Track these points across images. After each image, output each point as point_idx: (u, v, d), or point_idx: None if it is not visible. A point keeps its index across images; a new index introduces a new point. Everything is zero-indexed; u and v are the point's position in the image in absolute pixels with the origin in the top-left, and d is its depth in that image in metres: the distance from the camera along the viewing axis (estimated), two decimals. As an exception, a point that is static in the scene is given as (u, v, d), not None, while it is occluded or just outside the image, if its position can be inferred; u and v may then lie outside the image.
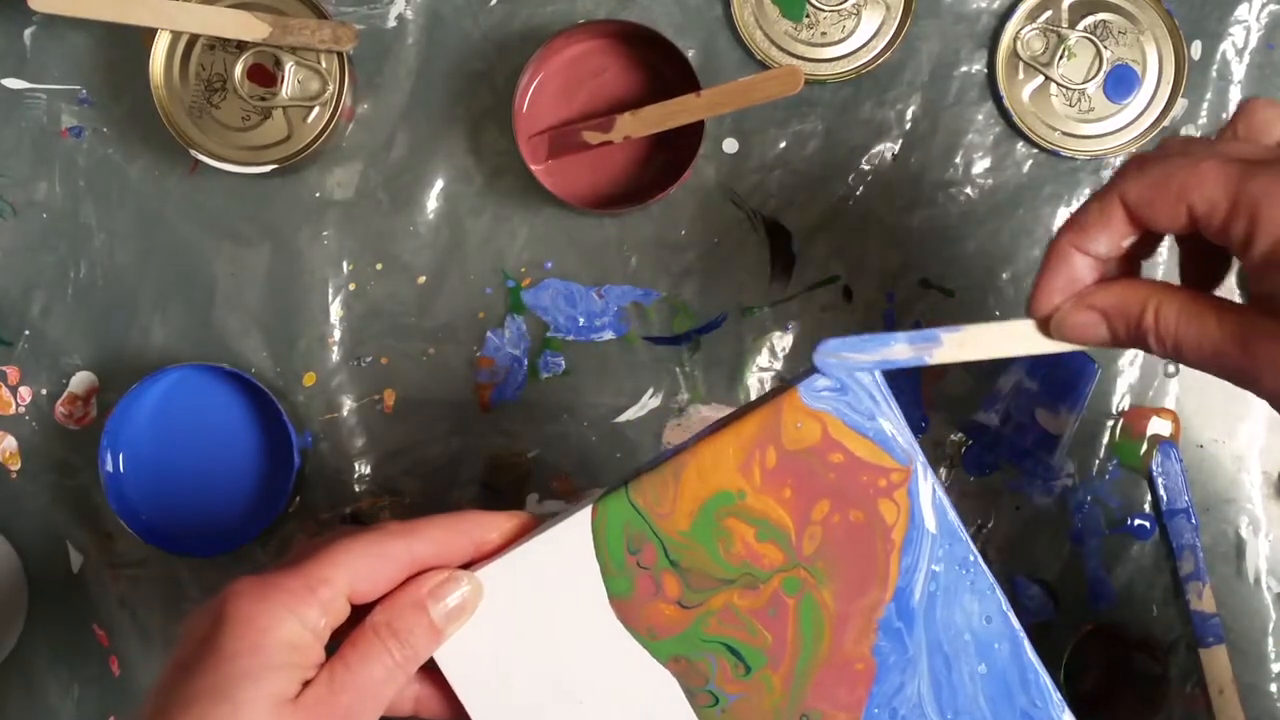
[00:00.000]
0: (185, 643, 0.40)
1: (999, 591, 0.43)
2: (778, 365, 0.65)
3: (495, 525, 0.44)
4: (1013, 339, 0.43)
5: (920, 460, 0.42)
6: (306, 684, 0.39)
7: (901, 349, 0.42)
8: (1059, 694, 0.43)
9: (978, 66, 0.66)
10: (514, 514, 0.44)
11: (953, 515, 0.42)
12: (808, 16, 0.65)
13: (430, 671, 0.43)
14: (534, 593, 0.43)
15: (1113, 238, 0.41)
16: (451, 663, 0.43)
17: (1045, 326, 0.42)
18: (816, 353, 0.42)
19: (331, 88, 0.61)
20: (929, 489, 0.42)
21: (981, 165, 0.66)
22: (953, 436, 0.65)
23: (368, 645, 0.40)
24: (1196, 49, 0.66)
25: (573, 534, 0.43)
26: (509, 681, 0.43)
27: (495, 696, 0.43)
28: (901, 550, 0.42)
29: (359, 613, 0.42)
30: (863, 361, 0.42)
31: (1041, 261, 0.43)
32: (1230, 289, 0.51)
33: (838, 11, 0.65)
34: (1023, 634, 0.42)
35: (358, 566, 0.41)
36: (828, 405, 0.42)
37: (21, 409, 0.64)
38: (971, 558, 0.43)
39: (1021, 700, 0.42)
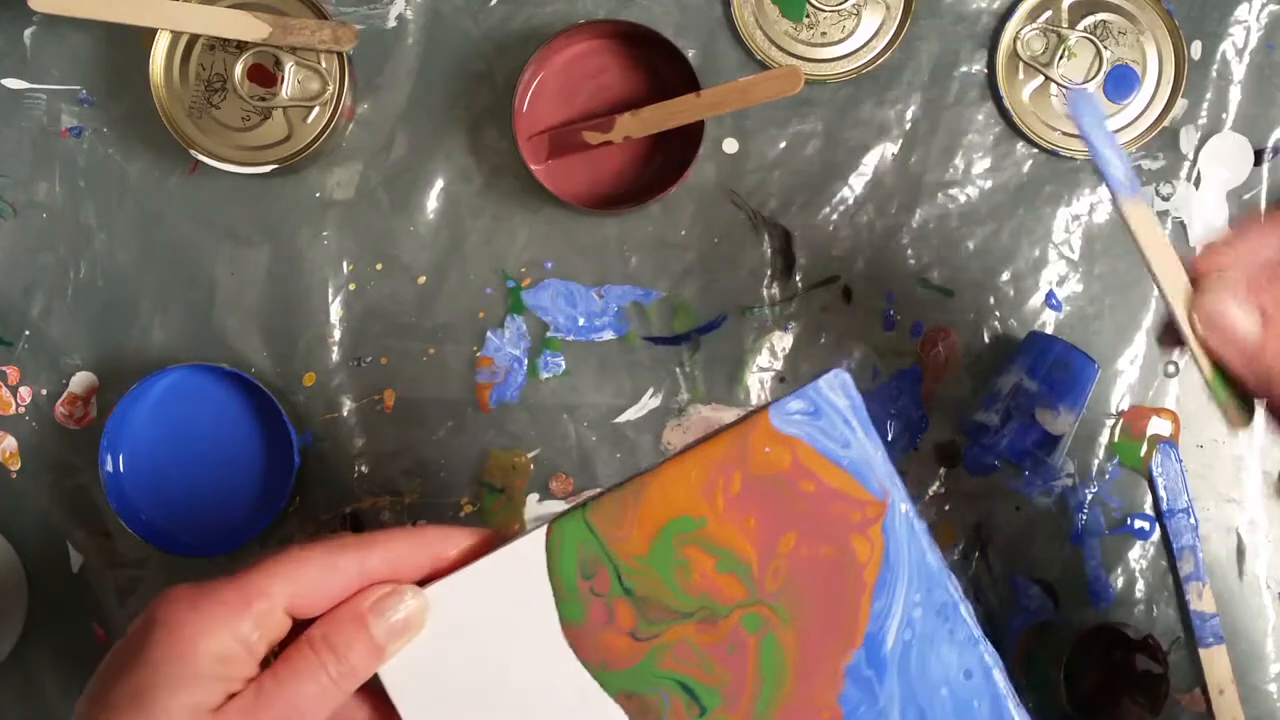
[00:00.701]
0: (118, 647, 0.38)
1: (983, 644, 0.40)
2: (778, 365, 0.65)
3: (454, 541, 0.41)
4: (1171, 280, 0.41)
5: (898, 493, 0.40)
6: (233, 697, 0.38)
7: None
8: None
9: (978, 67, 0.66)
10: (475, 530, 0.42)
11: (933, 556, 0.40)
12: (808, 16, 0.65)
13: (382, 695, 0.41)
14: (485, 614, 0.40)
15: None
16: (396, 682, 0.40)
17: (1198, 284, 0.40)
18: (829, 379, 0.40)
19: (331, 88, 0.61)
20: (906, 526, 0.40)
21: (981, 165, 0.66)
22: (953, 437, 0.65)
23: (301, 660, 0.38)
24: (1196, 49, 0.66)
25: (526, 554, 0.40)
26: (454, 706, 0.40)
27: (442, 718, 0.40)
28: (874, 592, 0.40)
29: (305, 628, 0.40)
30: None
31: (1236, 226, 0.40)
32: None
33: (838, 12, 0.65)
34: (1007, 691, 0.40)
35: (302, 578, 0.39)
36: (799, 430, 0.40)
37: (21, 409, 0.64)
38: (953, 604, 0.40)
39: None
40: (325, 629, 0.39)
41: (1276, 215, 0.41)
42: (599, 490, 0.41)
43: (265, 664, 0.39)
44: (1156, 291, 0.41)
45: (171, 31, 0.61)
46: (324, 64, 0.61)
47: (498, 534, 0.41)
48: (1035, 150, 0.66)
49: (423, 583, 0.40)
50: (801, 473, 0.40)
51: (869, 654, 0.40)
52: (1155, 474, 0.65)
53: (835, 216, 0.65)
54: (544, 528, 0.40)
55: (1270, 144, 0.66)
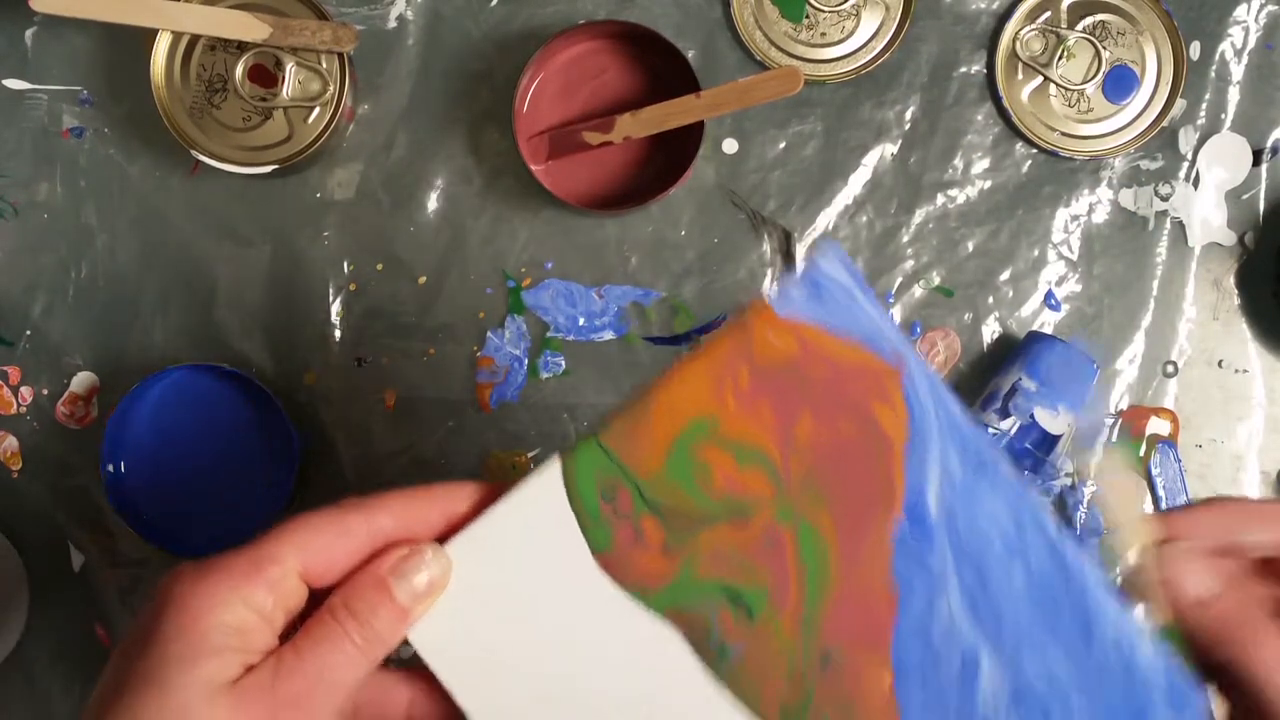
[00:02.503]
0: (129, 632, 0.37)
1: (1027, 488, 0.38)
2: (777, 365, 0.65)
3: (463, 495, 0.39)
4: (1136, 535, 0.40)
5: (913, 356, 0.38)
6: (252, 669, 0.36)
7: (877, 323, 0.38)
8: (1113, 596, 0.38)
9: (977, 67, 0.66)
10: (482, 483, 0.40)
11: (960, 412, 0.38)
12: (807, 17, 0.65)
13: (420, 668, 0.40)
14: (512, 558, 0.38)
15: None
16: (429, 646, 0.38)
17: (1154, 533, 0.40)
18: (822, 253, 0.38)
19: (332, 88, 0.61)
20: (928, 385, 0.38)
21: (981, 165, 0.66)
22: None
23: (322, 629, 0.37)
24: (1195, 49, 0.66)
25: (543, 490, 0.38)
26: (498, 660, 0.38)
27: (486, 679, 0.38)
28: (906, 459, 0.37)
29: (322, 599, 0.39)
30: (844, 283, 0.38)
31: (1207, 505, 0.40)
32: None
33: (837, 12, 0.65)
34: (1059, 535, 0.38)
35: (311, 543, 0.37)
36: (803, 313, 0.38)
37: (23, 409, 0.64)
38: (990, 456, 0.38)
39: (1071, 607, 0.38)
40: (345, 596, 0.37)
41: (1226, 506, 0.41)
42: (607, 416, 0.39)
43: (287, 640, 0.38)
44: (1120, 544, 0.41)
45: (172, 32, 0.61)
46: (324, 64, 0.61)
47: (506, 483, 0.40)
48: (1034, 151, 0.66)
49: (441, 540, 0.39)
50: (811, 355, 0.38)
51: (913, 523, 0.38)
52: (1154, 474, 0.65)
53: (835, 216, 0.65)
54: (556, 460, 0.38)
55: (1269, 144, 0.66)
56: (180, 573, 0.37)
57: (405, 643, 0.38)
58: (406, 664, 0.39)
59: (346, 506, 0.38)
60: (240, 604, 0.36)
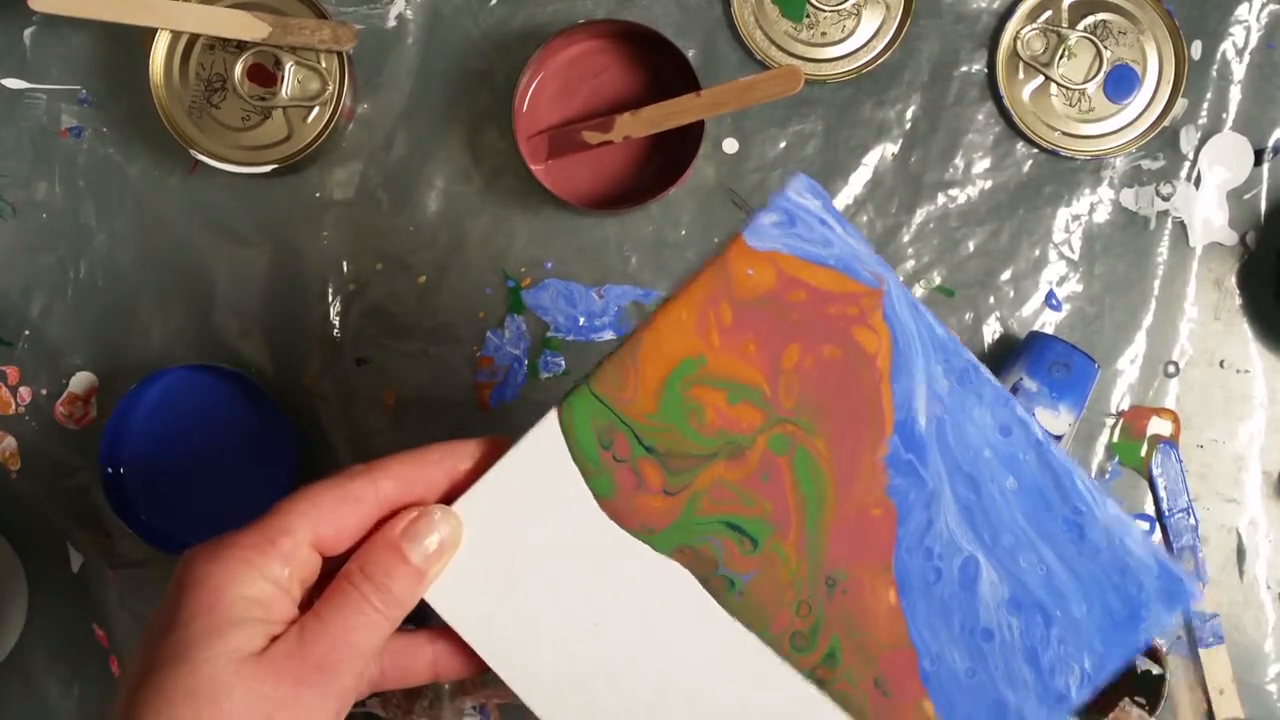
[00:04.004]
0: (152, 618, 0.38)
1: (1012, 399, 0.39)
2: (778, 365, 0.65)
3: (464, 453, 0.40)
4: None
5: (891, 277, 0.39)
6: (276, 639, 0.37)
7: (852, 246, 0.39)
8: (1100, 493, 0.39)
9: (978, 66, 0.66)
10: (481, 440, 0.41)
11: (941, 328, 0.39)
12: (808, 16, 0.65)
13: (446, 628, 0.41)
14: (519, 513, 0.39)
15: None
16: (447, 606, 0.39)
17: None
18: (791, 182, 0.39)
19: (331, 88, 0.61)
20: (906, 305, 0.39)
21: (981, 165, 0.66)
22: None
23: (342, 595, 0.38)
24: (1196, 49, 0.66)
25: (544, 441, 0.39)
26: (515, 612, 0.39)
27: (505, 631, 0.40)
28: (891, 378, 0.39)
29: (337, 568, 0.39)
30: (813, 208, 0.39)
31: None
32: None
33: (838, 11, 0.65)
34: (1047, 437, 0.39)
35: (318, 513, 0.38)
36: (777, 243, 0.39)
37: (22, 409, 0.64)
38: (972, 367, 0.39)
39: (1062, 508, 0.39)
40: (361, 561, 0.38)
41: None
42: (596, 364, 0.40)
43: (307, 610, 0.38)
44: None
45: (171, 31, 0.61)
46: (324, 64, 0.61)
47: (505, 439, 0.40)
48: (1035, 150, 0.66)
49: (448, 500, 0.40)
50: (790, 284, 0.39)
51: (904, 439, 0.39)
52: (1155, 474, 0.65)
53: (835, 216, 0.65)
54: (553, 412, 0.39)
55: (1270, 144, 0.66)
56: (195, 554, 0.38)
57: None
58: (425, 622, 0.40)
59: (350, 473, 0.39)
60: (258, 577, 0.37)
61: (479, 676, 0.41)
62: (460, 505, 0.39)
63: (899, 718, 0.39)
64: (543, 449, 0.39)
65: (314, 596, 0.39)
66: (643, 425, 0.39)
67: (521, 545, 0.40)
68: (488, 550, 0.39)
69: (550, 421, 0.39)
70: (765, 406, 0.39)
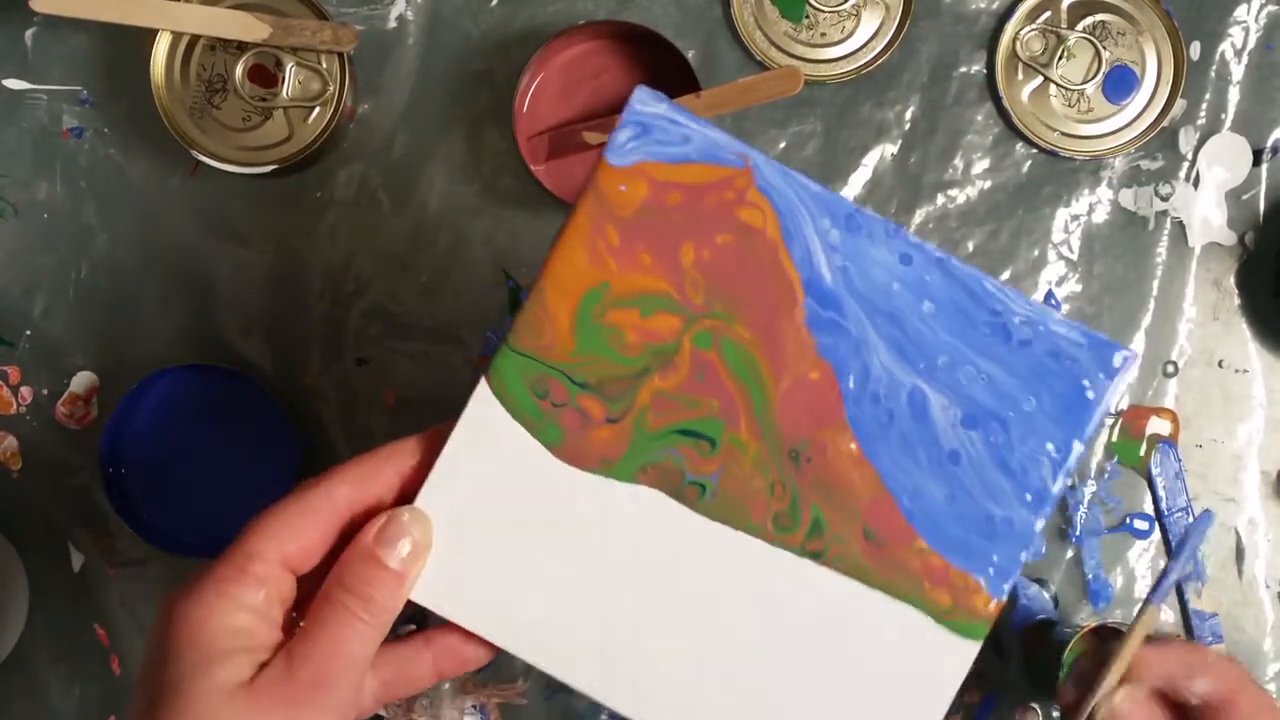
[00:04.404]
0: (142, 661, 0.39)
1: (900, 229, 0.40)
2: (777, 365, 0.65)
3: (409, 449, 0.41)
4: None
5: (753, 152, 0.40)
6: (265, 666, 0.37)
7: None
8: (1011, 290, 0.40)
9: (977, 67, 0.66)
10: (421, 434, 0.41)
11: (815, 185, 0.40)
12: (807, 17, 0.65)
13: (440, 629, 0.41)
14: (480, 487, 0.40)
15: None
16: (438, 599, 0.40)
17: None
18: (635, 96, 0.40)
19: (332, 88, 0.62)
20: (776, 172, 0.40)
21: (981, 165, 0.66)
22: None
23: (326, 612, 0.38)
24: (1195, 49, 0.66)
25: (482, 412, 0.40)
26: (505, 586, 0.40)
27: (500, 607, 0.40)
28: (786, 245, 0.40)
29: (316, 586, 0.40)
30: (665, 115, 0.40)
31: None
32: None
33: (837, 12, 0.65)
34: (946, 254, 0.40)
35: (280, 529, 0.38)
36: (638, 155, 0.40)
37: (23, 409, 0.64)
38: (855, 210, 0.40)
39: (982, 314, 0.40)
40: (338, 575, 0.39)
41: (1182, 652, 0.47)
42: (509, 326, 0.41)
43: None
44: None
45: (172, 32, 0.61)
46: (324, 64, 0.61)
47: (445, 426, 0.41)
48: (1034, 151, 0.66)
49: (405, 499, 0.40)
50: (663, 188, 0.40)
51: (816, 298, 0.40)
52: (1154, 473, 0.65)
53: (835, 217, 0.65)
54: (482, 381, 0.40)
55: (1269, 144, 0.66)
56: (171, 597, 0.38)
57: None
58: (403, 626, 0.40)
59: (303, 486, 0.40)
60: (234, 607, 0.37)
61: (479, 674, 0.41)
62: (422, 499, 0.40)
63: (898, 562, 0.40)
64: (483, 420, 0.40)
65: (295, 616, 0.39)
66: (570, 364, 0.40)
67: (492, 519, 0.40)
68: (461, 535, 0.40)
69: (482, 391, 0.40)
70: (679, 309, 0.40)
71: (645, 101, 0.40)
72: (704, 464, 0.40)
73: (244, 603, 0.37)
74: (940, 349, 0.40)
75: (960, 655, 0.40)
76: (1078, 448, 0.40)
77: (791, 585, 0.40)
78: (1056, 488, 0.40)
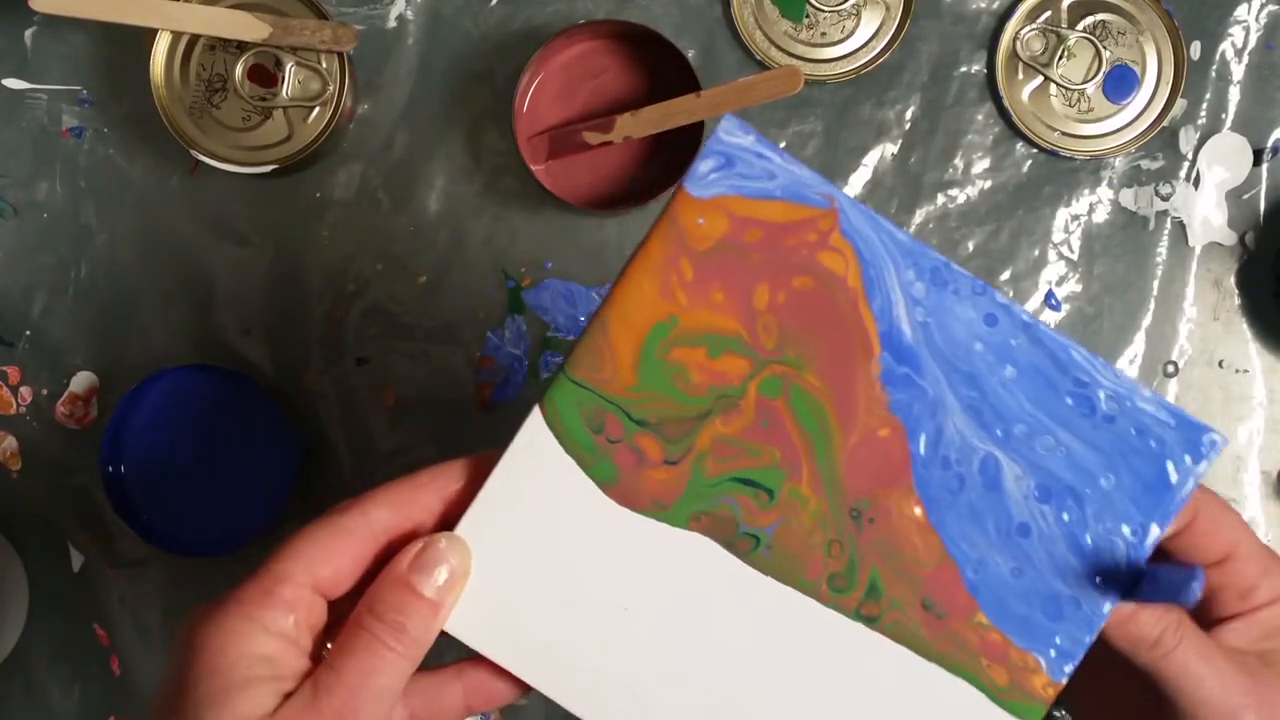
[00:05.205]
0: (160, 685, 0.36)
1: (989, 287, 0.38)
2: (777, 365, 0.65)
3: (454, 473, 0.39)
4: None
5: (840, 194, 0.38)
6: (289, 696, 0.35)
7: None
8: (1100, 360, 0.38)
9: (977, 67, 0.66)
10: (468, 458, 0.39)
11: (902, 234, 0.38)
12: (807, 17, 0.65)
13: (472, 661, 0.40)
14: (525, 520, 0.38)
15: None
16: (473, 633, 0.38)
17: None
18: (721, 125, 0.38)
19: (332, 88, 0.61)
20: (863, 218, 0.38)
21: (981, 165, 0.66)
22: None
23: (354, 640, 0.36)
24: (1196, 49, 0.66)
25: (534, 442, 0.38)
26: (543, 624, 0.38)
27: (537, 646, 0.38)
28: (866, 294, 0.38)
29: (347, 613, 0.38)
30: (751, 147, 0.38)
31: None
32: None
33: (837, 12, 0.65)
34: (1033, 319, 0.38)
35: (313, 552, 0.36)
36: (720, 188, 0.38)
37: (22, 409, 0.64)
38: (943, 264, 0.38)
39: (1066, 384, 0.38)
40: (370, 602, 0.36)
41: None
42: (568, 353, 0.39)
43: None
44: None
45: (172, 32, 0.61)
46: (324, 64, 0.61)
47: (493, 453, 0.39)
48: (1035, 150, 0.66)
49: (444, 525, 0.38)
50: (743, 224, 0.38)
51: (893, 352, 0.38)
52: (1155, 474, 0.65)
53: (835, 216, 0.65)
54: (536, 409, 0.38)
55: (1269, 144, 0.66)
56: (195, 616, 0.36)
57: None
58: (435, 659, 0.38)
59: (340, 508, 0.38)
60: (260, 632, 0.35)
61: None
62: (463, 527, 0.38)
63: (956, 635, 0.38)
64: (534, 450, 0.38)
65: (325, 643, 0.37)
66: (629, 400, 0.38)
67: (535, 554, 0.38)
68: (501, 567, 0.38)
69: (535, 419, 0.38)
70: (748, 352, 0.38)
71: (732, 132, 0.38)
72: (761, 515, 0.38)
73: (271, 628, 0.35)
74: (1019, 416, 0.38)
75: None
76: (1155, 532, 0.38)
77: (841, 649, 0.38)
78: (1127, 573, 0.38)
